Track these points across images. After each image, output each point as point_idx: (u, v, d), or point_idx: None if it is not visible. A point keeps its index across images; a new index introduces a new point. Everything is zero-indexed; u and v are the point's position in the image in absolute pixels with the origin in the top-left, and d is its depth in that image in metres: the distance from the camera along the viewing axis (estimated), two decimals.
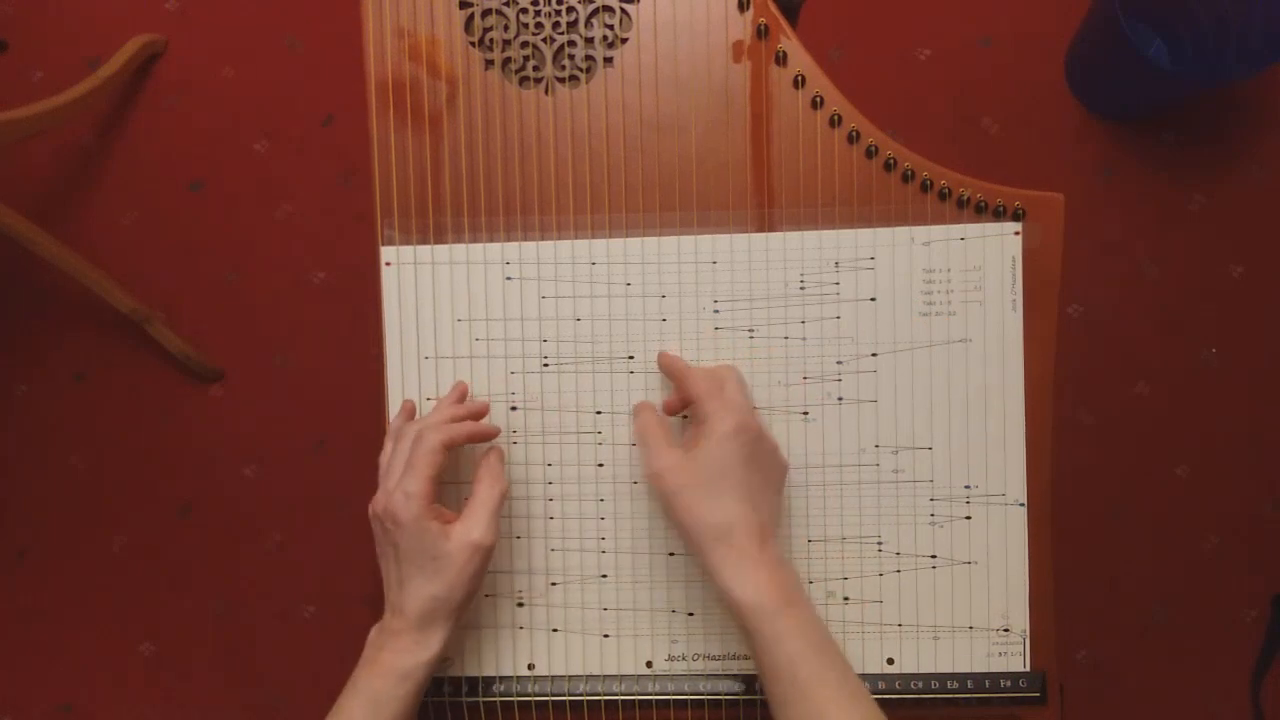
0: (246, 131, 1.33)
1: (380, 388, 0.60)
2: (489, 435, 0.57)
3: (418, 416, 0.59)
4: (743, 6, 0.58)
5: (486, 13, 0.58)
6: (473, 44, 0.58)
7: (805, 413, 0.59)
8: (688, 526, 0.52)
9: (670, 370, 0.58)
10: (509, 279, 0.59)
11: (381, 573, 0.55)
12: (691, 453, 0.52)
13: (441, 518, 0.53)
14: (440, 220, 0.59)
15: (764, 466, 0.54)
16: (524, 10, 0.58)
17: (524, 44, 0.58)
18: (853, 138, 0.58)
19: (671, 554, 0.59)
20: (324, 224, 1.32)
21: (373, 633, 0.55)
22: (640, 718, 0.60)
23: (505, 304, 0.59)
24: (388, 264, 0.60)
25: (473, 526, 0.53)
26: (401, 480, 0.52)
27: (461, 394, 0.59)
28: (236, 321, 1.32)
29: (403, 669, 0.52)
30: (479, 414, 0.58)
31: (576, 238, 0.59)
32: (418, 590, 0.52)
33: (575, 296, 0.59)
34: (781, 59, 0.58)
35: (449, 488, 0.60)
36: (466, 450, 0.59)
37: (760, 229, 0.58)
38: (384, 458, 0.56)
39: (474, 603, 0.58)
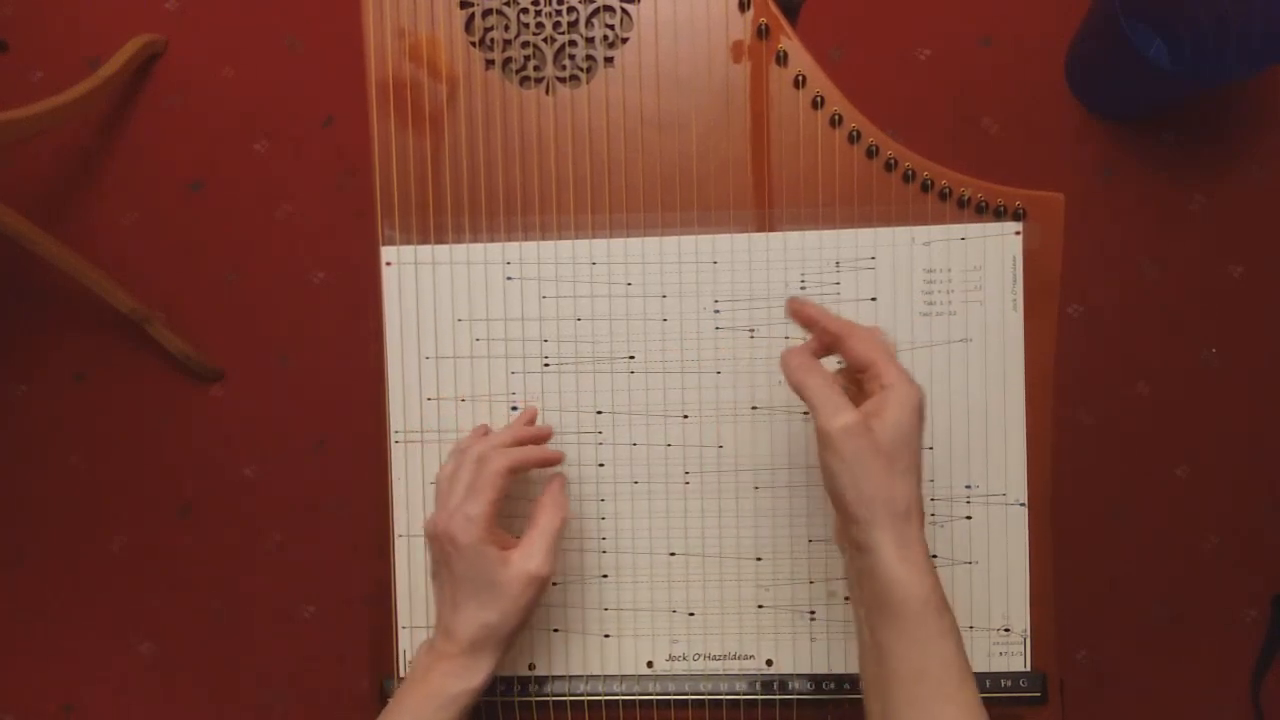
0: (246, 131, 1.33)
1: (380, 388, 0.60)
2: (553, 461, 0.57)
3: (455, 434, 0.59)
4: (743, 6, 0.58)
5: (487, 12, 0.58)
6: (473, 44, 0.58)
7: (806, 413, 0.59)
8: (858, 495, 0.46)
9: (816, 319, 0.52)
10: (509, 279, 0.59)
11: (434, 592, 0.54)
12: (873, 419, 0.47)
13: (501, 543, 0.53)
14: (441, 220, 0.59)
15: (920, 444, 0.49)
16: (524, 10, 0.58)
17: (524, 44, 0.58)
18: (853, 138, 0.58)
19: (672, 554, 0.59)
20: (324, 224, 1.32)
21: (421, 651, 0.54)
22: (641, 718, 0.60)
23: (506, 304, 0.59)
24: (388, 264, 0.60)
25: (531, 555, 0.52)
26: (463, 503, 0.52)
27: (531, 418, 0.59)
28: (236, 321, 1.32)
29: (449, 694, 0.51)
30: (544, 438, 0.57)
31: (577, 237, 0.59)
32: (471, 616, 0.52)
33: (576, 296, 0.59)
34: (782, 59, 0.58)
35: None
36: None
37: (761, 229, 0.58)
38: (443, 475, 0.55)
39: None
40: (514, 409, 0.59)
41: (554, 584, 0.60)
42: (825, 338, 0.52)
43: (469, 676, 0.52)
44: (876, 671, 0.47)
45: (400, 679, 0.60)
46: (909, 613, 0.46)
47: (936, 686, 0.45)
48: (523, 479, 0.58)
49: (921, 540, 0.47)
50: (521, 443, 0.56)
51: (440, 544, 0.52)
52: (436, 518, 0.53)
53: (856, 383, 0.52)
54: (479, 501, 0.51)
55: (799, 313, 0.53)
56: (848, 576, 0.52)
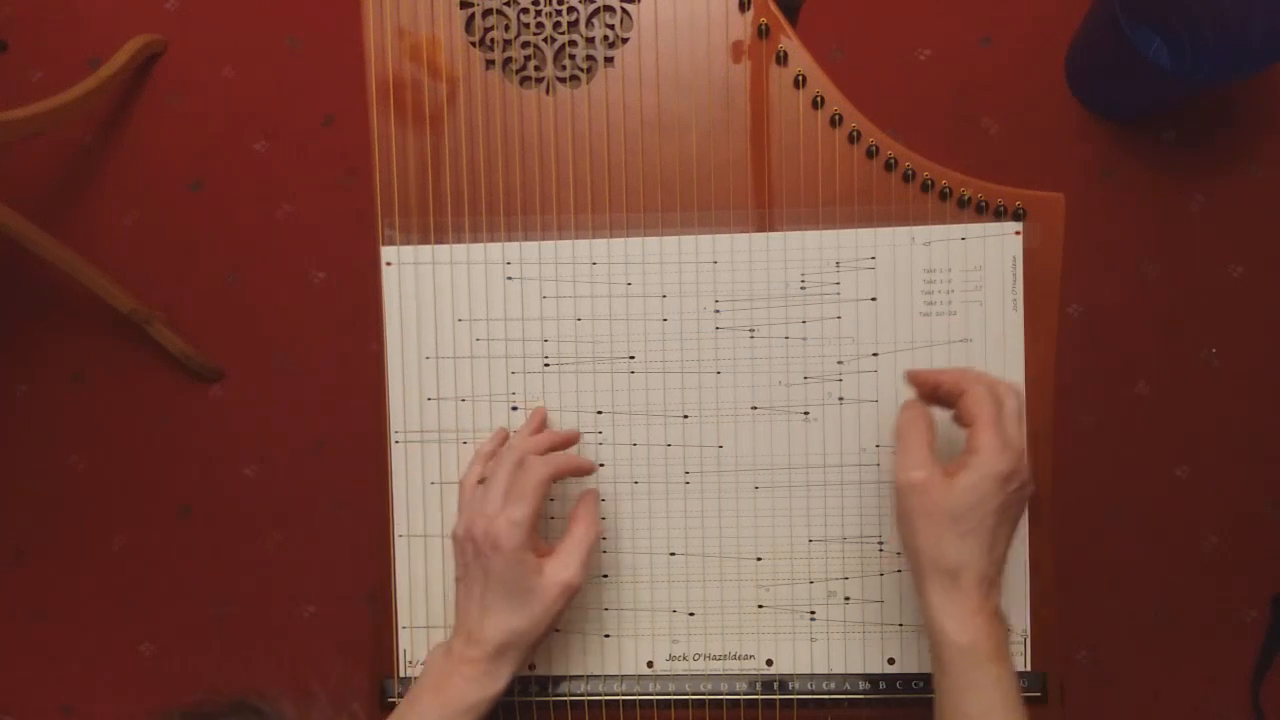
0: (246, 131, 1.33)
1: (380, 388, 0.60)
2: (589, 470, 0.57)
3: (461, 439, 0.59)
4: (743, 6, 0.58)
5: (487, 13, 0.58)
6: (473, 44, 0.58)
7: (806, 413, 0.59)
8: (916, 549, 0.50)
9: (934, 382, 0.54)
10: (509, 279, 0.59)
11: (459, 595, 0.54)
12: (950, 478, 0.50)
13: (538, 550, 0.53)
14: (441, 220, 0.59)
15: (1013, 516, 0.51)
16: (525, 10, 0.58)
17: (525, 44, 0.58)
18: (853, 138, 0.58)
19: (672, 554, 0.59)
20: (324, 224, 1.32)
21: (438, 654, 0.53)
22: (641, 718, 0.60)
23: (506, 304, 0.59)
24: (388, 264, 0.60)
25: (567, 565, 0.53)
26: (507, 508, 0.52)
27: (542, 418, 0.59)
28: (236, 321, 1.32)
29: (469, 701, 0.51)
30: (573, 441, 0.58)
31: (577, 237, 0.59)
32: (501, 621, 0.52)
33: (576, 296, 0.59)
34: (782, 59, 0.58)
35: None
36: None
37: (761, 229, 0.58)
38: (470, 479, 0.55)
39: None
40: (514, 409, 0.59)
41: None
42: (945, 394, 0.54)
43: (489, 683, 0.52)
44: (935, 706, 0.51)
45: (400, 679, 0.60)
46: (948, 659, 0.49)
47: None
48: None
49: (981, 601, 0.49)
50: (555, 447, 0.56)
51: (478, 546, 0.52)
52: (473, 521, 0.53)
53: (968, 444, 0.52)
54: (523, 507, 0.52)
55: (915, 382, 0.55)
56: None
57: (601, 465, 0.59)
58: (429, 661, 0.54)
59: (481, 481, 0.55)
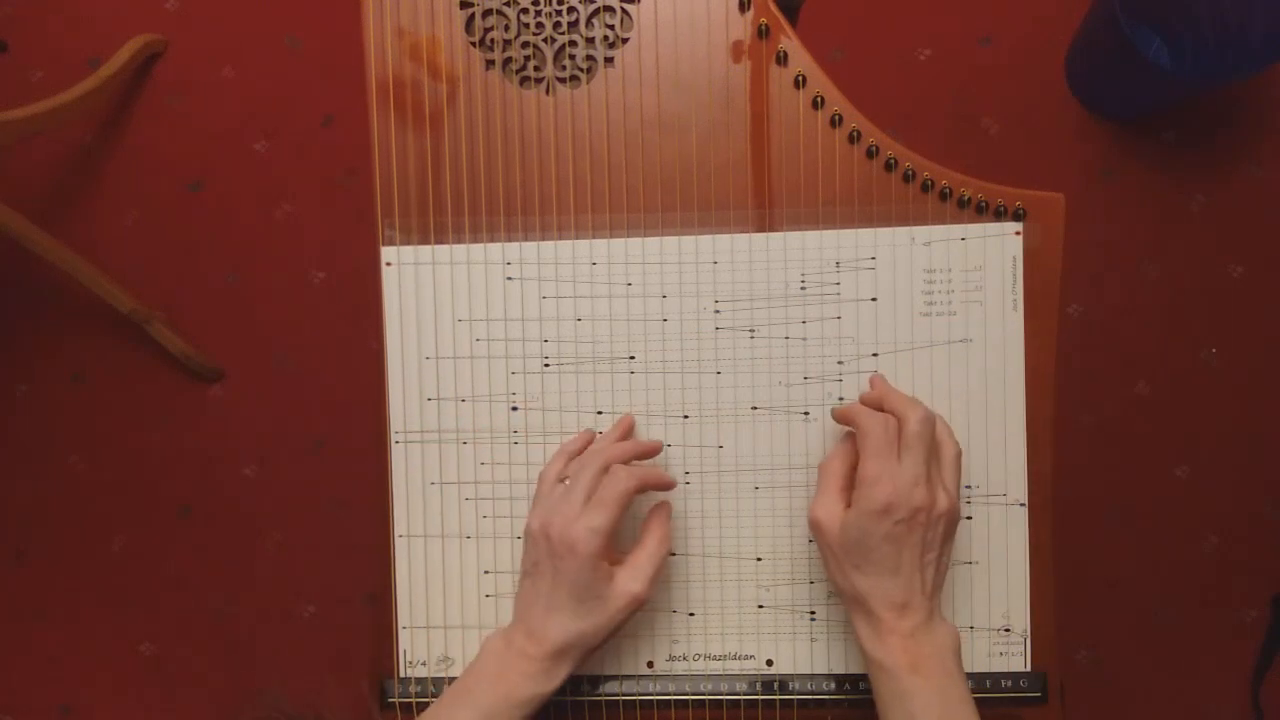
0: (246, 131, 1.33)
1: (380, 388, 0.60)
2: (670, 485, 0.57)
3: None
4: (743, 6, 0.58)
5: (487, 13, 0.58)
6: (473, 44, 0.58)
7: (806, 413, 0.59)
8: (830, 580, 0.54)
9: (845, 418, 0.56)
10: (509, 279, 0.59)
11: (524, 589, 0.54)
12: (846, 513, 0.52)
13: (610, 559, 0.53)
14: (441, 220, 0.59)
15: (918, 541, 0.51)
16: (525, 10, 0.58)
17: (525, 44, 0.58)
18: (853, 138, 0.58)
19: (672, 554, 0.59)
20: (324, 224, 1.32)
21: (497, 643, 0.54)
22: (641, 718, 0.60)
23: (506, 304, 0.59)
24: (388, 264, 0.59)
25: (637, 577, 0.53)
26: (587, 514, 0.52)
27: (629, 427, 0.59)
28: (236, 321, 1.32)
29: (523, 696, 0.52)
30: (655, 453, 0.57)
31: (577, 238, 0.59)
32: (565, 623, 0.52)
33: (576, 296, 0.59)
34: (782, 59, 0.58)
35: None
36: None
37: (761, 229, 0.58)
38: (550, 474, 0.55)
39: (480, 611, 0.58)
40: (514, 409, 0.59)
41: None
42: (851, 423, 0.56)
43: (545, 681, 0.52)
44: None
45: (400, 679, 0.60)
46: (872, 674, 0.52)
47: None
48: None
49: (893, 622, 0.51)
50: (639, 457, 0.56)
51: (553, 546, 0.52)
52: (550, 520, 0.53)
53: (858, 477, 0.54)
54: (604, 516, 0.52)
55: (837, 419, 0.57)
56: None
57: None
58: (486, 649, 0.54)
59: (563, 480, 0.55)
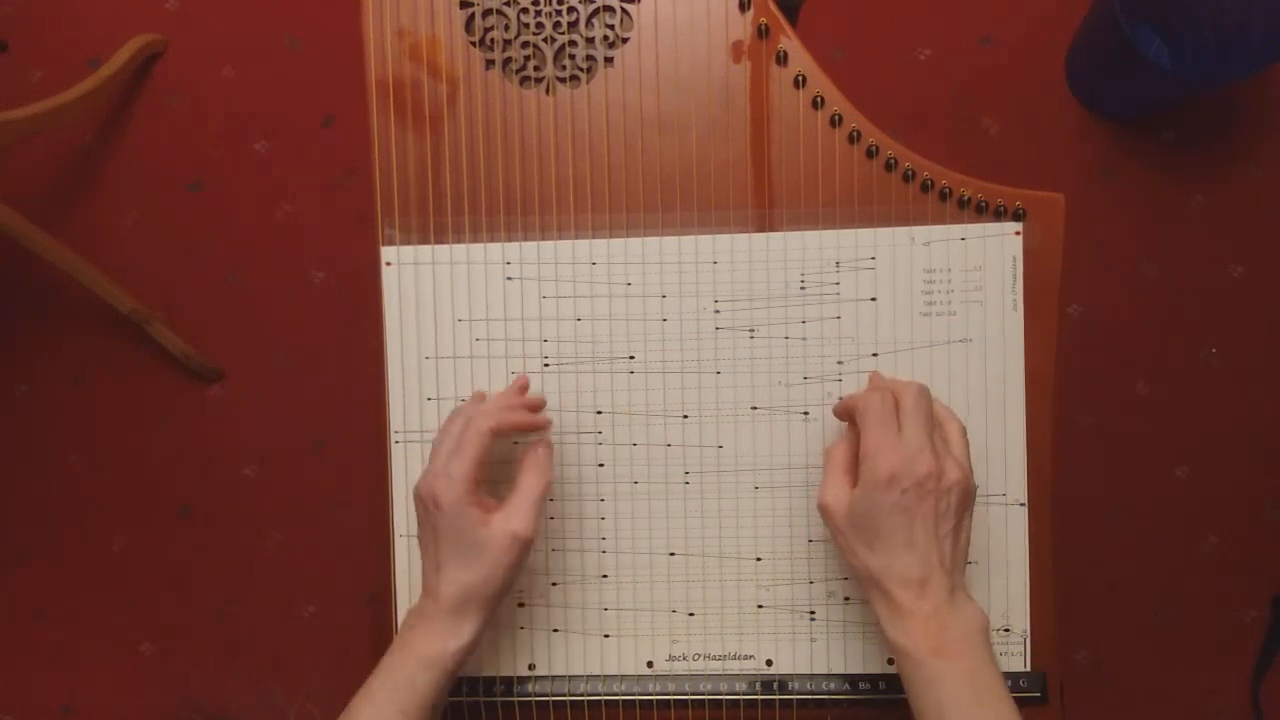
0: (246, 131, 1.33)
1: (380, 388, 0.60)
2: (539, 426, 0.56)
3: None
4: (743, 6, 0.58)
5: (487, 12, 0.58)
6: (473, 44, 0.58)
7: (806, 413, 0.59)
8: (846, 563, 0.53)
9: (845, 408, 0.56)
10: (509, 279, 0.59)
11: (421, 554, 0.54)
12: (853, 493, 0.51)
13: (483, 506, 0.53)
14: (440, 220, 0.59)
15: (930, 512, 0.50)
16: (525, 10, 0.58)
17: (525, 44, 0.58)
18: (853, 138, 0.58)
19: (672, 554, 0.59)
20: (324, 224, 1.32)
21: (407, 614, 0.54)
22: (641, 718, 0.60)
23: (505, 304, 0.59)
24: (388, 264, 0.60)
25: (512, 516, 0.52)
26: (447, 463, 0.52)
27: (522, 386, 0.58)
28: (236, 321, 1.32)
29: (430, 655, 0.51)
30: (535, 407, 0.57)
31: (577, 238, 0.59)
32: (453, 576, 0.52)
33: (575, 296, 0.59)
34: (782, 59, 0.58)
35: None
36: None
37: (761, 229, 0.58)
38: (435, 439, 0.55)
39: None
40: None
41: (553, 584, 0.60)
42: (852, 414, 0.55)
43: (449, 639, 0.52)
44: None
45: None
46: (898, 661, 0.50)
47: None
48: (512, 446, 0.58)
49: (912, 603, 0.49)
50: (511, 408, 0.55)
51: (424, 504, 0.53)
52: (422, 478, 0.53)
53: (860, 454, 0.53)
54: (461, 461, 0.52)
55: (837, 414, 0.57)
56: None
57: (601, 465, 0.59)
58: (401, 625, 0.54)
59: None
